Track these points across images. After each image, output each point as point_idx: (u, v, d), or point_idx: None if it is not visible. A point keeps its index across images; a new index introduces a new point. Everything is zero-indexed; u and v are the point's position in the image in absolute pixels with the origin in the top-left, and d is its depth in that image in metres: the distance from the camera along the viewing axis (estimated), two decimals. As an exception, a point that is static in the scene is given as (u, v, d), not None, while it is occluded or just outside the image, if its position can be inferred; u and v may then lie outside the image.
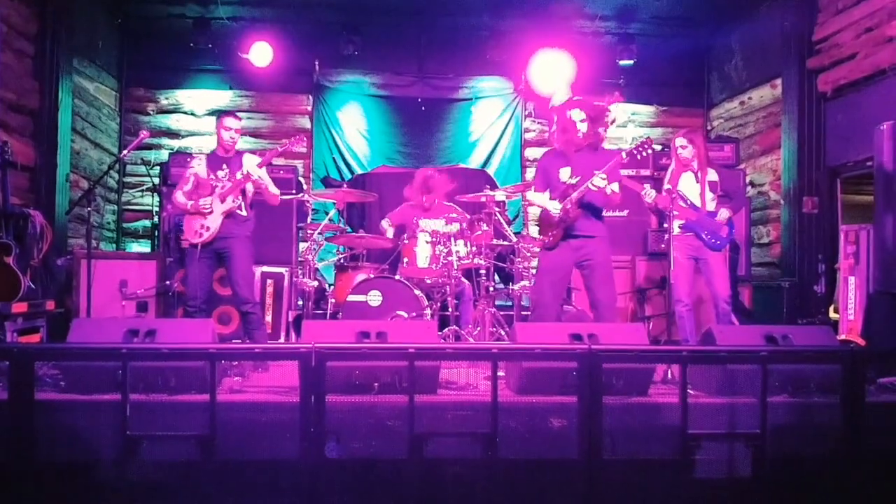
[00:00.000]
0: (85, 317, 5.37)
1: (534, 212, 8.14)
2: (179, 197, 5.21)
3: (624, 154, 4.80)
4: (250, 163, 5.19)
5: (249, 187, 5.22)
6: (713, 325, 4.65)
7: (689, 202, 5.38)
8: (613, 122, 4.71)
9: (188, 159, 6.91)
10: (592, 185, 4.65)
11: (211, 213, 5.11)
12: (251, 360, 4.41)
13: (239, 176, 5.12)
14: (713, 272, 5.33)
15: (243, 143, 8.52)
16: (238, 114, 5.36)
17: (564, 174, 4.85)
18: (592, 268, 4.81)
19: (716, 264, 5.33)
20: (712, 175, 5.48)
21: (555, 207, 4.80)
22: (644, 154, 4.87)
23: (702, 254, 5.35)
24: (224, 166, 5.20)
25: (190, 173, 5.25)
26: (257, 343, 5.08)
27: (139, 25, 8.57)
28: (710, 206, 5.41)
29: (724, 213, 5.38)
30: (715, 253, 5.33)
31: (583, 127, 4.85)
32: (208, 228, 5.10)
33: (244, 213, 5.23)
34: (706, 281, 5.42)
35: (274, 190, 5.30)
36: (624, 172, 5.24)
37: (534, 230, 7.90)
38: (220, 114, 5.43)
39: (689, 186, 5.44)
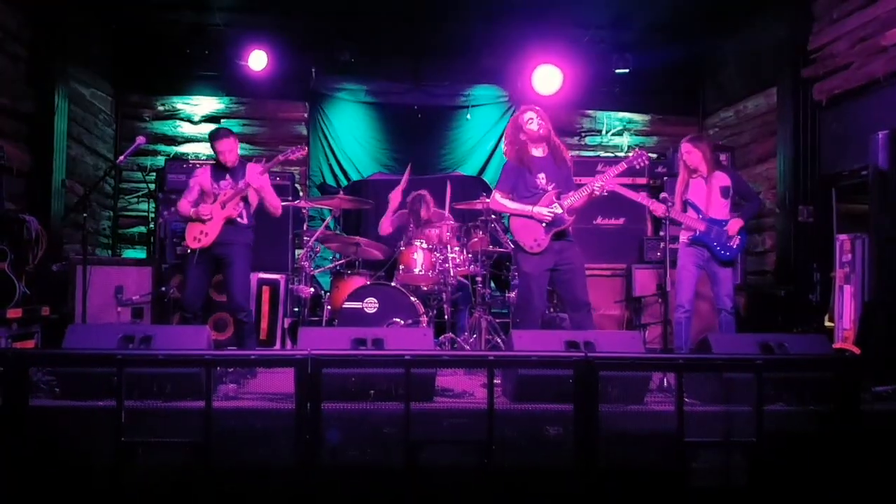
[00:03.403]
0: (80, 323, 5.35)
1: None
2: (184, 206, 5.24)
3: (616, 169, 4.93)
4: (253, 172, 5.20)
5: (251, 196, 5.23)
6: (710, 333, 4.65)
7: (701, 213, 5.25)
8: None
9: (184, 165, 6.88)
10: (598, 189, 4.78)
11: (211, 219, 5.13)
12: (247, 366, 4.40)
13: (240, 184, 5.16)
14: (720, 284, 5.24)
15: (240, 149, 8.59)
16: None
17: (542, 180, 4.89)
18: (574, 271, 4.85)
19: (724, 276, 5.24)
20: (723, 179, 5.33)
21: (546, 212, 4.81)
22: (639, 165, 4.99)
23: (710, 266, 5.25)
24: (227, 176, 5.25)
25: (194, 182, 5.30)
26: (248, 350, 5.08)
27: (134, 31, 8.53)
28: (721, 213, 5.27)
29: (734, 225, 5.22)
30: (724, 265, 5.23)
31: (533, 126, 4.91)
32: (207, 234, 5.12)
33: (245, 220, 5.24)
34: (713, 291, 5.35)
35: (275, 201, 5.30)
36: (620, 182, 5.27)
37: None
38: (214, 133, 5.38)
39: (699, 193, 5.33)
